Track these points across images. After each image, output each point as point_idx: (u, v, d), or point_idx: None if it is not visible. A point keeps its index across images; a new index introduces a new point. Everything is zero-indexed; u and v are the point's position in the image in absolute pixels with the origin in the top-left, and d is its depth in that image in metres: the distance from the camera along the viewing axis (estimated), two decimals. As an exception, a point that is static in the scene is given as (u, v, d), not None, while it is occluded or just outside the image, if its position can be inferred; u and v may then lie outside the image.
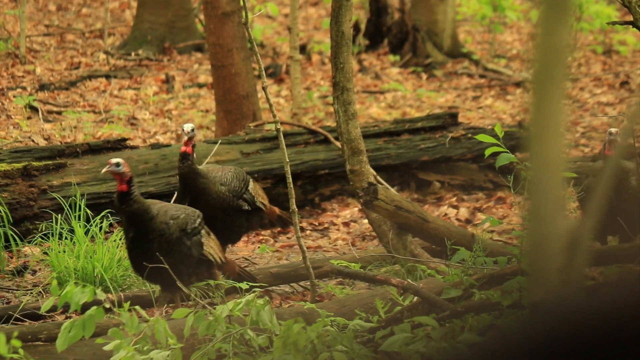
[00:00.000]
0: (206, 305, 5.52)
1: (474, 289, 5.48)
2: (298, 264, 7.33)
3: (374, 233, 7.95)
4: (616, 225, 6.54)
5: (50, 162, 8.69)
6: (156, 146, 9.41)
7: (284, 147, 6.75)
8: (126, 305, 4.89)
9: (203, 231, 6.62)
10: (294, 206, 6.74)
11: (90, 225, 7.69)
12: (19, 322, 6.57)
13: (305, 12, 18.31)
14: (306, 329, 4.94)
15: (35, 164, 8.58)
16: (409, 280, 6.07)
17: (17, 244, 8.00)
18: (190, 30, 15.64)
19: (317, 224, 9.43)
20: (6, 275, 7.74)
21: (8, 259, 7.98)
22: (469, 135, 10.13)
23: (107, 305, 4.86)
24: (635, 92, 14.56)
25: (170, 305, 6.73)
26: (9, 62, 14.32)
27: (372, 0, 16.26)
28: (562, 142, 2.92)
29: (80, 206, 8.03)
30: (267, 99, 6.72)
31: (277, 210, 7.73)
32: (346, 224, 9.37)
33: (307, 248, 7.68)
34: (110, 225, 7.98)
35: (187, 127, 7.11)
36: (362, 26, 16.26)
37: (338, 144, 9.15)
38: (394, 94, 14.23)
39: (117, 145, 9.21)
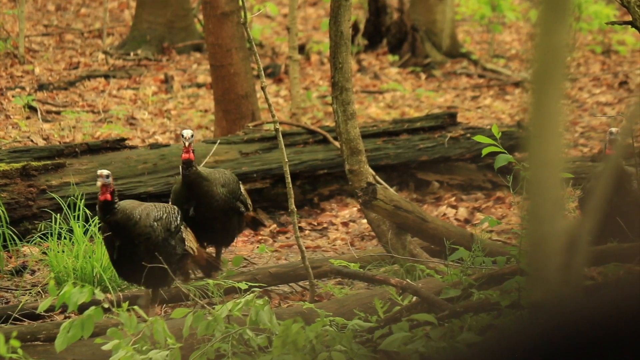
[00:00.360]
0: (205, 305, 5.52)
1: (473, 288, 5.48)
2: (297, 263, 7.33)
3: (372, 233, 7.95)
4: (617, 227, 6.53)
5: (49, 162, 8.68)
6: (155, 146, 9.41)
7: (283, 147, 6.75)
8: (125, 305, 4.89)
9: (182, 226, 6.67)
10: (292, 206, 6.74)
11: (89, 225, 7.69)
12: (18, 322, 6.57)
13: (304, 12, 18.31)
14: (305, 329, 4.94)
15: (34, 163, 8.57)
16: (407, 280, 6.07)
17: (15, 244, 8.00)
18: (189, 30, 15.64)
19: (316, 223, 9.43)
20: (5, 275, 7.73)
21: (7, 258, 7.98)
22: (468, 135, 10.13)
23: (106, 305, 4.86)
24: (634, 92, 14.56)
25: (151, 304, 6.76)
26: (7, 62, 14.32)
27: (371, 0, 16.25)
28: (560, 142, 2.92)
29: (79, 206, 8.03)
30: (266, 99, 6.72)
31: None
32: (345, 224, 9.37)
33: (306, 248, 7.68)
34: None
35: (187, 133, 7.08)
36: (361, 26, 16.26)
37: (337, 143, 9.15)
38: (392, 94, 14.23)
39: (116, 145, 9.21)
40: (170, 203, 7.04)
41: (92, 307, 4.82)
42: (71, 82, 13.74)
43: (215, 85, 10.78)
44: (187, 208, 7.06)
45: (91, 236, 7.59)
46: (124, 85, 13.85)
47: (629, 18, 6.36)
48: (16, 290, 7.42)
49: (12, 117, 11.87)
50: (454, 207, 9.70)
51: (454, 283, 5.63)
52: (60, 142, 10.78)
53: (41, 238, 7.92)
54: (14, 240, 7.99)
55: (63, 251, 7.36)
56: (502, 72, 15.60)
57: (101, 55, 15.01)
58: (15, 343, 4.74)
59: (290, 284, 7.51)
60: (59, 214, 7.93)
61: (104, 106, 12.79)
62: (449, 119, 10.41)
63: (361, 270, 6.64)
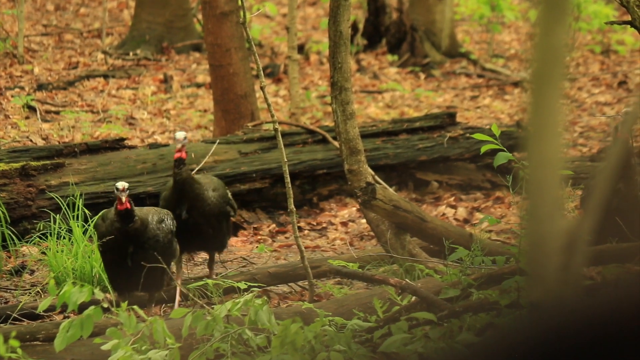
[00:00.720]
0: (204, 305, 5.52)
1: (472, 288, 5.48)
2: (296, 263, 7.33)
3: (372, 233, 7.94)
4: (616, 227, 6.50)
5: (48, 161, 8.68)
6: (154, 146, 9.41)
7: (282, 146, 6.75)
8: (124, 305, 4.89)
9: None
10: (292, 206, 6.74)
11: (89, 225, 7.69)
12: (17, 322, 6.57)
13: (304, 12, 18.31)
14: (304, 329, 4.94)
15: (33, 163, 8.57)
16: (407, 280, 6.07)
17: (15, 244, 8.00)
18: (189, 30, 15.64)
19: (315, 223, 9.43)
20: (4, 275, 7.73)
21: (6, 258, 7.98)
22: (467, 135, 10.13)
23: (105, 305, 4.86)
24: (633, 92, 14.56)
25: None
26: (7, 61, 14.32)
27: (370, 0, 16.26)
28: (560, 141, 2.92)
29: (78, 206, 8.03)
30: (266, 99, 6.72)
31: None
32: (344, 224, 9.37)
33: (305, 248, 7.68)
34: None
35: (180, 135, 7.10)
36: (360, 26, 16.26)
37: (336, 143, 9.15)
38: (392, 94, 14.23)
39: (115, 145, 9.21)
40: None
41: (92, 307, 4.82)
42: (70, 82, 13.74)
43: (215, 85, 10.78)
44: (178, 213, 7.02)
45: (90, 236, 7.58)
46: (123, 85, 13.85)
47: (628, 18, 6.36)
48: (15, 290, 7.42)
49: (11, 117, 11.87)
50: (453, 206, 9.70)
51: (453, 283, 5.63)
52: (59, 142, 10.78)
53: (40, 238, 7.92)
54: (13, 240, 7.99)
55: (62, 251, 7.36)
56: (501, 72, 15.60)
57: (100, 55, 15.01)
58: (14, 343, 4.74)
59: (289, 284, 7.51)
60: (58, 214, 7.93)
61: (103, 106, 12.79)
62: (448, 118, 10.41)
63: (360, 270, 6.64)
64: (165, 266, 6.36)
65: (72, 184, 8.50)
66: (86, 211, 8.00)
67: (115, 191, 6.36)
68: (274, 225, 9.32)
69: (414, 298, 5.54)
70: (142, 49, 15.21)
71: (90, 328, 4.83)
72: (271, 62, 15.08)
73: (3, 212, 8.06)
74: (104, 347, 4.88)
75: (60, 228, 7.75)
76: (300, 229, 8.94)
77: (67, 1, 17.97)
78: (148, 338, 4.92)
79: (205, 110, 12.86)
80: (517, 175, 5.52)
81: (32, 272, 7.81)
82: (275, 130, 6.75)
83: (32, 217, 8.33)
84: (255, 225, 9.31)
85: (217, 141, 9.48)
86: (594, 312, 2.67)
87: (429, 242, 7.34)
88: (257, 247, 8.62)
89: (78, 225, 7.62)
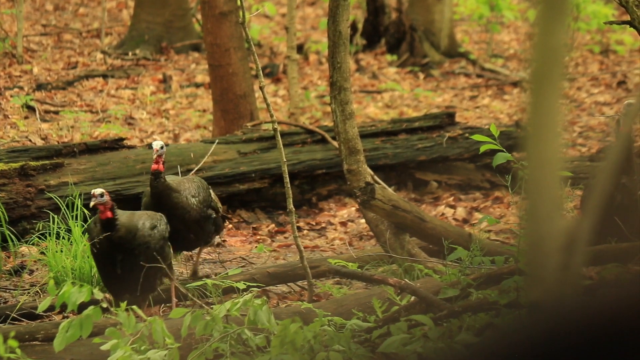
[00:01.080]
0: (203, 305, 5.52)
1: (472, 288, 5.48)
2: (295, 263, 7.32)
3: (371, 233, 7.94)
4: (615, 227, 6.47)
5: (47, 161, 8.68)
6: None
7: (281, 146, 6.75)
8: (123, 305, 4.89)
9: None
10: (291, 206, 6.74)
11: (88, 225, 7.68)
12: (17, 322, 6.57)
13: (303, 12, 18.31)
14: (303, 329, 4.94)
15: (33, 163, 8.57)
16: (406, 280, 6.07)
17: (14, 244, 8.00)
18: (188, 30, 15.64)
19: (314, 223, 9.43)
20: (3, 275, 7.73)
21: (5, 258, 7.97)
22: (466, 135, 10.13)
23: (105, 305, 4.85)
24: (633, 92, 14.56)
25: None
26: (6, 61, 14.31)
27: (370, 0, 16.26)
28: (559, 141, 2.92)
29: (77, 206, 8.03)
30: (265, 99, 6.72)
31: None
32: (343, 224, 9.37)
33: (305, 248, 7.68)
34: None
35: (157, 144, 6.89)
36: (360, 26, 16.26)
37: (335, 143, 9.16)
38: (391, 94, 14.23)
39: (114, 145, 9.21)
40: None
41: (91, 307, 4.82)
42: (69, 81, 13.74)
43: (214, 85, 10.78)
44: None
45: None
46: (122, 85, 13.85)
47: (627, 18, 6.36)
48: (14, 290, 7.41)
49: (10, 116, 11.87)
50: (453, 206, 9.70)
51: (453, 283, 5.63)
52: (58, 142, 10.77)
53: (39, 238, 7.92)
54: (12, 240, 7.98)
55: (61, 251, 7.35)
56: (500, 72, 15.59)
57: (99, 55, 15.01)
58: (13, 343, 4.74)
59: (288, 284, 7.51)
60: (57, 214, 7.93)
61: (102, 106, 12.79)
62: (447, 118, 10.41)
63: (359, 270, 6.64)
64: (165, 266, 6.35)
65: (71, 184, 8.50)
66: (85, 211, 7.99)
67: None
68: (273, 225, 9.32)
69: (413, 298, 5.54)
70: (141, 49, 15.21)
71: (90, 328, 4.83)
72: (270, 62, 15.08)
73: (2, 212, 8.06)
74: (103, 347, 4.88)
75: (59, 228, 7.74)
76: (299, 228, 8.94)
77: (66, 1, 17.96)
78: (147, 338, 4.92)
79: (204, 110, 12.86)
80: (516, 175, 5.52)
81: (31, 272, 7.81)
82: (275, 130, 6.75)
83: (31, 217, 8.33)
84: (254, 225, 9.31)
85: (216, 141, 9.48)
86: (594, 312, 2.67)
87: (428, 242, 7.34)
88: (256, 247, 8.61)
89: (77, 225, 7.61)
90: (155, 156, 6.88)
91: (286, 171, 6.71)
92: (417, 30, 15.78)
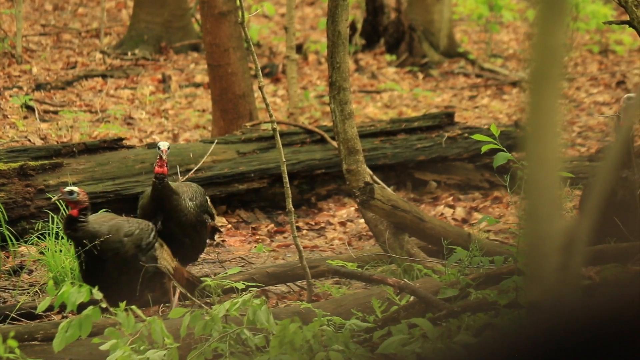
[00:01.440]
0: (203, 305, 5.52)
1: (471, 288, 5.48)
2: (294, 263, 7.32)
3: (370, 233, 7.94)
4: (615, 227, 6.46)
5: (46, 161, 8.68)
6: (152, 146, 9.40)
7: (281, 146, 6.75)
8: (122, 305, 4.89)
9: (157, 244, 6.61)
10: (290, 205, 6.74)
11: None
12: (16, 322, 6.56)
13: (302, 12, 18.31)
14: (302, 329, 4.94)
15: (32, 163, 8.57)
16: (405, 279, 6.07)
17: (13, 244, 7.99)
18: (187, 30, 15.64)
19: (313, 223, 9.43)
20: (3, 275, 7.73)
21: (4, 258, 7.97)
22: (466, 134, 10.13)
23: (104, 305, 4.85)
24: (632, 92, 14.55)
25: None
26: (5, 61, 14.31)
27: (369, 0, 16.26)
28: (558, 141, 2.92)
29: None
30: (264, 99, 6.72)
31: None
32: (343, 224, 9.37)
33: (304, 248, 7.68)
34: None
35: (164, 145, 6.83)
36: (359, 26, 16.26)
37: (334, 143, 9.16)
38: (390, 94, 14.23)
39: (114, 144, 9.21)
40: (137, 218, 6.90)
41: (90, 307, 4.82)
42: (69, 81, 13.74)
43: (213, 85, 10.78)
44: (154, 222, 6.89)
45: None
46: (121, 85, 13.85)
47: (626, 18, 6.36)
48: (14, 290, 7.41)
49: (9, 116, 11.86)
50: (452, 206, 9.70)
51: (452, 283, 5.63)
52: (57, 142, 10.77)
53: (39, 238, 7.92)
54: (11, 240, 7.98)
55: (61, 251, 7.35)
56: (499, 72, 15.60)
57: (99, 55, 15.00)
58: (12, 343, 4.74)
59: (287, 284, 7.51)
60: (56, 214, 7.92)
61: (102, 106, 12.79)
62: (446, 118, 10.41)
63: (359, 270, 6.63)
64: (165, 272, 6.31)
65: (71, 184, 8.50)
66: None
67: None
68: (272, 225, 9.32)
69: (412, 298, 5.54)
70: (141, 49, 15.21)
71: (89, 328, 4.83)
72: (269, 62, 15.08)
73: (1, 212, 8.06)
74: (102, 347, 4.88)
75: (58, 228, 7.74)
76: (298, 228, 8.94)
77: (66, 1, 17.96)
78: (146, 338, 4.92)
79: (203, 110, 12.86)
80: (515, 175, 5.52)
81: (31, 272, 7.81)
82: (274, 130, 6.75)
83: (30, 217, 8.32)
84: (253, 225, 9.31)
85: (216, 141, 9.48)
86: (593, 312, 2.67)
87: (428, 242, 7.34)
88: (255, 247, 8.61)
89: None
90: (164, 157, 6.81)
91: (285, 171, 6.71)
92: (416, 30, 15.78)
